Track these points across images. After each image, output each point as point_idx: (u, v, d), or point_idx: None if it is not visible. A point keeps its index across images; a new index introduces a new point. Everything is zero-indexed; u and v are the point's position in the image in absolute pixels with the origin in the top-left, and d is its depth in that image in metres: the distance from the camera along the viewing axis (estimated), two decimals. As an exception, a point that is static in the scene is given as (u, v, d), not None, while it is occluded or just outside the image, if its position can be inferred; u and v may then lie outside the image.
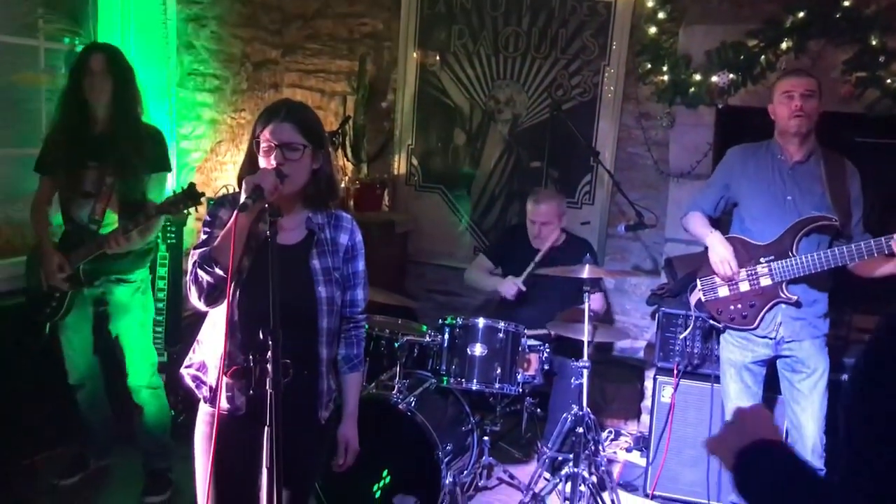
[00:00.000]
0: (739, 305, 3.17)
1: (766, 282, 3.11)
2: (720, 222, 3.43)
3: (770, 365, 3.23)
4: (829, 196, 3.05)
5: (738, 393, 3.23)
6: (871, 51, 3.58)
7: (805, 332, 3.10)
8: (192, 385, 2.18)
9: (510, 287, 3.93)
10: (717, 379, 3.53)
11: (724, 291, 3.20)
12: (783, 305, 3.10)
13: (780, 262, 3.07)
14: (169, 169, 3.37)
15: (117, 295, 3.26)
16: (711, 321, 3.28)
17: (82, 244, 3.12)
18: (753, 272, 3.13)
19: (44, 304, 3.21)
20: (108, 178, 3.12)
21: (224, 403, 2.07)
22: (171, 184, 4.05)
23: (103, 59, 3.10)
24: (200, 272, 2.01)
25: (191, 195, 2.92)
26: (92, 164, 3.13)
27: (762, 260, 3.12)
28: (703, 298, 3.27)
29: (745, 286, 3.15)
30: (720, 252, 3.16)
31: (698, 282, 3.29)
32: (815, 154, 3.12)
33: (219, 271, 1.98)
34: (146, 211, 3.03)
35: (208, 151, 4.68)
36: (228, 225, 1.96)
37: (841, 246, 2.98)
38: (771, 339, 3.13)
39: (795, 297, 3.07)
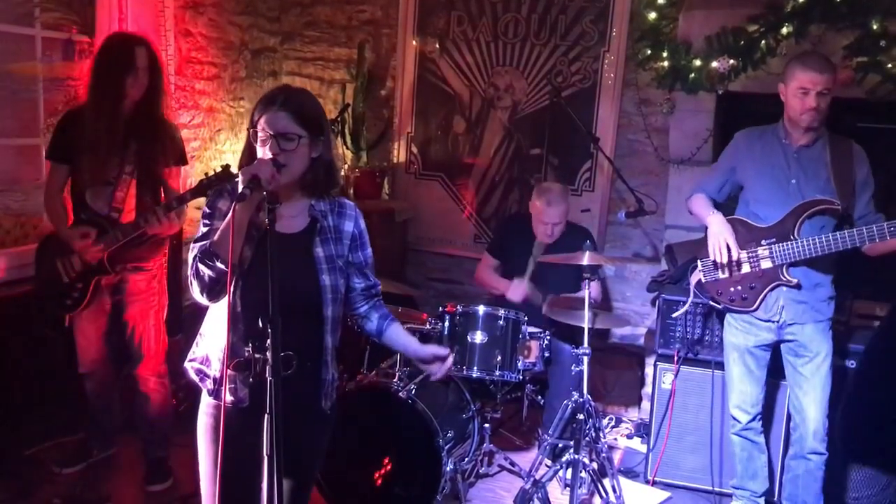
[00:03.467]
0: (739, 287, 3.17)
1: (766, 264, 3.11)
2: (725, 207, 3.43)
3: (774, 351, 3.24)
4: (833, 180, 3.05)
5: (740, 376, 3.24)
6: (872, 35, 3.56)
7: (807, 315, 3.09)
8: (195, 378, 2.17)
9: (517, 292, 3.90)
10: (717, 365, 3.54)
11: (723, 273, 3.20)
12: (785, 288, 3.10)
13: (780, 244, 3.07)
14: (186, 163, 3.38)
15: (133, 283, 3.26)
16: (711, 302, 3.28)
17: (104, 234, 3.09)
18: (754, 254, 3.13)
19: (65, 295, 3.17)
20: (128, 166, 3.12)
21: (229, 395, 2.06)
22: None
23: (147, 56, 3.08)
24: (201, 266, 1.99)
25: (227, 176, 2.78)
26: (114, 152, 3.11)
27: (763, 242, 3.11)
28: (703, 279, 3.27)
29: (745, 268, 3.15)
30: (719, 232, 3.16)
31: (699, 262, 3.28)
32: (821, 139, 3.11)
33: (220, 265, 1.96)
34: (182, 194, 3.01)
35: (207, 140, 4.67)
36: (227, 218, 1.94)
37: (843, 230, 2.98)
38: (774, 322, 3.13)
39: (796, 280, 3.07)
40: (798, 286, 3.07)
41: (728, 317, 3.28)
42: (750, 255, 3.14)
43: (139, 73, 3.06)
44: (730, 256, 3.13)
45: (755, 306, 3.14)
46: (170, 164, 3.23)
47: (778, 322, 3.13)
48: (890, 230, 2.87)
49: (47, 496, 3.23)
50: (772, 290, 3.11)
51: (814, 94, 2.97)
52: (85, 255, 3.09)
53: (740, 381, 3.25)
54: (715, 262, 3.19)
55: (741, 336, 3.23)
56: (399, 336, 2.33)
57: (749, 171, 3.20)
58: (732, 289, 3.18)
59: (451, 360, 2.31)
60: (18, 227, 3.72)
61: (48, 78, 3.82)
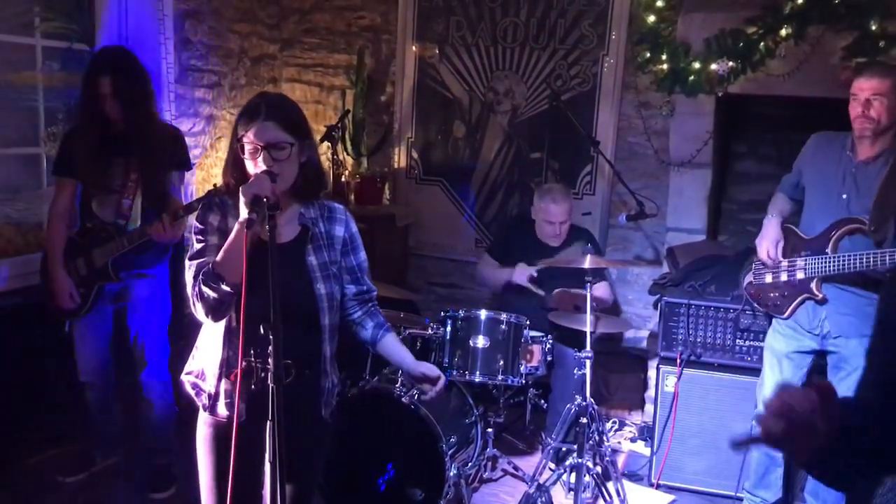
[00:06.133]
0: (776, 293, 3.18)
1: (801, 275, 3.09)
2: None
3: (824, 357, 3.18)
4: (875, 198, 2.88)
5: (772, 386, 3.20)
6: (871, 36, 3.56)
7: (852, 329, 2.99)
8: (191, 392, 2.16)
9: (522, 273, 3.92)
10: (720, 367, 3.55)
11: (768, 278, 3.21)
12: (828, 301, 3.03)
13: (814, 258, 3.03)
14: (190, 167, 3.40)
15: (138, 290, 3.27)
16: (756, 304, 3.31)
17: (109, 240, 3.11)
18: (793, 264, 3.12)
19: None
20: (133, 173, 3.13)
21: (224, 410, 2.06)
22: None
23: (110, 84, 3.03)
24: (206, 289, 1.96)
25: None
26: (118, 161, 3.13)
27: (802, 253, 3.10)
28: (753, 280, 3.28)
29: (784, 276, 3.15)
30: (767, 235, 3.18)
31: (753, 264, 3.30)
32: (883, 155, 2.93)
33: (225, 287, 1.93)
34: (189, 203, 3.02)
35: (207, 147, 4.67)
36: (231, 240, 1.93)
37: (866, 252, 2.85)
38: (816, 334, 3.10)
39: (821, 295, 3.03)
40: (823, 301, 3.04)
41: (774, 322, 3.27)
42: (790, 263, 3.14)
43: (107, 100, 3.04)
44: (770, 257, 3.15)
45: (786, 314, 3.15)
46: (174, 169, 3.25)
47: (820, 333, 3.10)
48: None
49: (50, 505, 3.24)
50: (802, 301, 3.10)
51: (862, 98, 2.88)
52: (61, 304, 3.14)
53: (770, 390, 3.20)
54: (763, 264, 3.21)
55: (783, 342, 3.20)
56: (393, 348, 2.29)
57: (809, 179, 3.16)
58: (772, 294, 3.20)
59: (441, 383, 2.26)
60: (20, 236, 3.72)
61: (48, 87, 3.82)
